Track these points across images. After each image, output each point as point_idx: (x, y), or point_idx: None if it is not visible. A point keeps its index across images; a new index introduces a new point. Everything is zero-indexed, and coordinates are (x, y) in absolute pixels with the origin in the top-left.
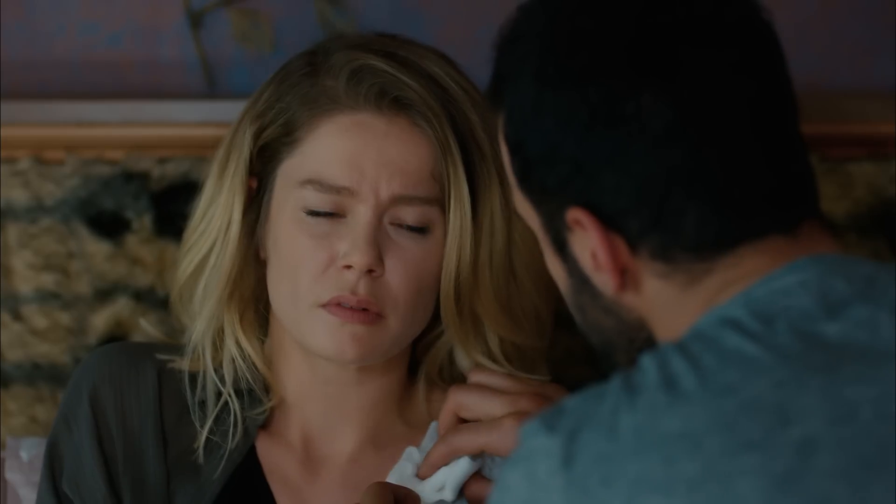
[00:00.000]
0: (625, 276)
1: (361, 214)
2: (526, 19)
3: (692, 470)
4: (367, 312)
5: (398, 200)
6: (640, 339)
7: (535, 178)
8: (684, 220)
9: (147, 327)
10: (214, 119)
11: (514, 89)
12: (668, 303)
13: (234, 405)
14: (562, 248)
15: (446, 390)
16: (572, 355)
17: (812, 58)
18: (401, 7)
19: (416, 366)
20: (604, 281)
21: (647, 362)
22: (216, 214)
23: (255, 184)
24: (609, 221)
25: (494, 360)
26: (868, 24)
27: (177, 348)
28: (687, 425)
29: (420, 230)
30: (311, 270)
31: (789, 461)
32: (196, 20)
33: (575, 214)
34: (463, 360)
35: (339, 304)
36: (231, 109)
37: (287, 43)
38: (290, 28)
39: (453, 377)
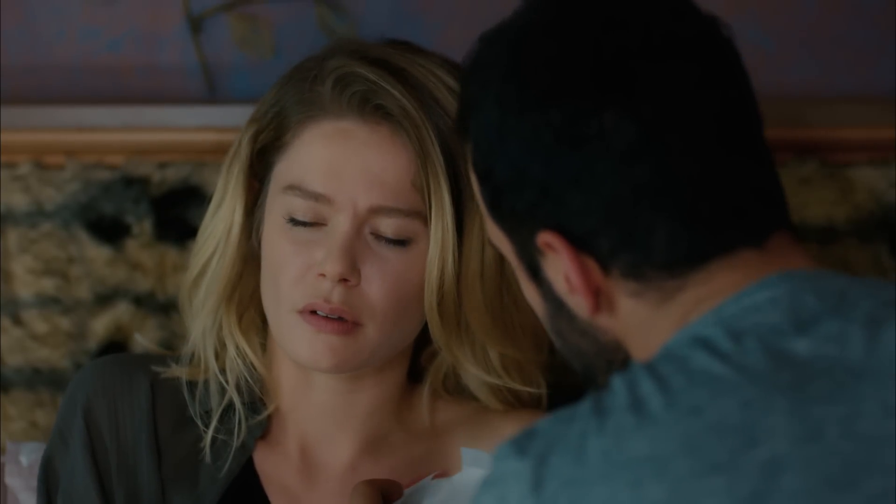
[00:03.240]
0: (599, 298)
1: (339, 224)
2: (487, 48)
3: (658, 493)
4: (342, 322)
5: (377, 211)
6: (619, 361)
7: (504, 204)
8: (654, 237)
9: (142, 341)
10: (214, 124)
11: (478, 117)
12: (642, 322)
13: (237, 401)
14: (536, 273)
15: (451, 401)
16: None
17: (813, 63)
18: (401, 11)
19: (419, 373)
20: (578, 303)
21: (618, 384)
22: (221, 217)
23: (257, 186)
24: (580, 243)
25: (489, 373)
26: (868, 29)
27: (173, 359)
28: (654, 448)
29: (400, 242)
30: (290, 276)
31: (755, 483)
32: (196, 25)
33: (545, 238)
34: (466, 373)
35: (313, 313)
36: (231, 114)
37: (287, 48)
38: (290, 33)
39: (459, 388)
